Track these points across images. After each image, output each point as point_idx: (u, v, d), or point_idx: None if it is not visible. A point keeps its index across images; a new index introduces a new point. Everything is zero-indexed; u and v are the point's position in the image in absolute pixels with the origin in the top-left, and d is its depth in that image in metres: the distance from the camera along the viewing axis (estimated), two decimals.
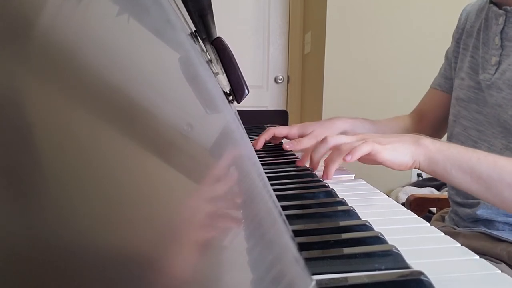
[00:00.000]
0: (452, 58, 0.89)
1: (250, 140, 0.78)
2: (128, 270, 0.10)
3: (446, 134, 0.91)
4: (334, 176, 0.63)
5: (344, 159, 0.59)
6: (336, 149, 0.61)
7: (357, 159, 0.59)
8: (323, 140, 0.63)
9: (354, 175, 0.67)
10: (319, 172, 0.65)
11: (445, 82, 0.92)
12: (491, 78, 0.75)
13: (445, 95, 0.92)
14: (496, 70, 0.74)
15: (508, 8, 0.73)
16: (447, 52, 0.93)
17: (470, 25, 0.85)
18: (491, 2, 0.78)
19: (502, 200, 0.55)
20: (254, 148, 0.81)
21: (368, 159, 0.59)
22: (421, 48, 1.98)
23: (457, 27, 0.89)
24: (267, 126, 0.93)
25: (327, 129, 0.83)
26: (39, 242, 0.08)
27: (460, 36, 0.87)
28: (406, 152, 0.57)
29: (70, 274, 0.08)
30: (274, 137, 0.85)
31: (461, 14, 0.90)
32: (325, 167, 0.63)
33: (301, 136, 0.82)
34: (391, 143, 0.58)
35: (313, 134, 0.80)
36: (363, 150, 0.56)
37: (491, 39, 0.77)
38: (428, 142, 0.58)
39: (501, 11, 0.74)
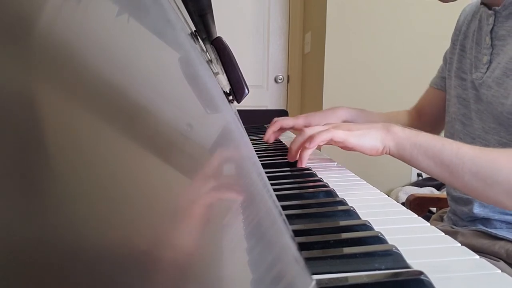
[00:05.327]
0: (448, 59, 0.91)
1: (250, 140, 0.79)
2: (127, 270, 0.10)
3: (443, 131, 0.92)
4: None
5: (305, 147, 0.63)
6: (308, 138, 0.65)
7: (341, 147, 0.63)
8: (301, 131, 0.67)
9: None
10: (320, 172, 0.66)
11: (441, 81, 0.95)
12: (482, 76, 0.76)
13: (441, 93, 0.95)
14: (487, 69, 0.76)
15: (497, 8, 0.75)
16: (445, 53, 0.95)
17: (467, 26, 0.86)
18: (482, 3, 0.80)
19: (463, 184, 0.57)
20: (267, 143, 0.86)
21: (343, 146, 0.62)
22: (421, 48, 1.98)
23: (455, 29, 0.91)
24: (267, 126, 0.93)
25: (329, 120, 0.87)
26: (43, 241, 0.08)
27: (457, 37, 0.89)
28: (376, 138, 0.61)
29: (71, 273, 0.08)
30: (281, 129, 0.89)
31: (459, 16, 0.91)
32: (299, 155, 0.67)
33: (306, 127, 0.85)
34: (361, 130, 0.61)
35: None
36: (322, 137, 0.61)
37: (483, 39, 0.79)
38: (398, 129, 0.61)
39: (490, 11, 0.76)
